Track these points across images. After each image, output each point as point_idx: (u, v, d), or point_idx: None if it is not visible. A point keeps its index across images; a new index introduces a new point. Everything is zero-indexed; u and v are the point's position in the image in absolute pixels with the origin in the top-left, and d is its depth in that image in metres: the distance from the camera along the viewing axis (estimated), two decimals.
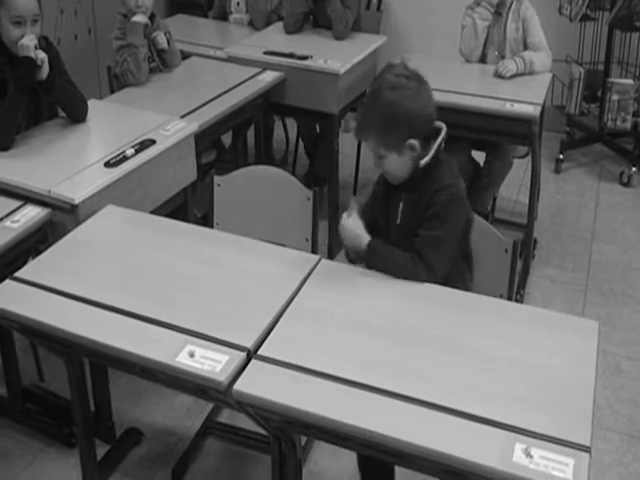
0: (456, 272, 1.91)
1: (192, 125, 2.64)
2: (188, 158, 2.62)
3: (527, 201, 3.24)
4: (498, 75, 3.23)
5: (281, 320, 1.70)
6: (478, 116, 3.01)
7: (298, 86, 3.33)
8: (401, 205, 1.95)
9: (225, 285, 1.84)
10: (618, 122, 4.09)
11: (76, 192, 2.17)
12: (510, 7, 3.31)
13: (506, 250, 1.96)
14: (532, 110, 2.95)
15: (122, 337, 1.64)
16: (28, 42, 2.38)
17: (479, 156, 3.41)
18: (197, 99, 2.97)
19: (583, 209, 3.90)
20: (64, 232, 2.10)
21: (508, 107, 2.98)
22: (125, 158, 2.35)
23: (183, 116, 2.80)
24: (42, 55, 2.41)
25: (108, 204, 2.19)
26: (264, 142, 3.78)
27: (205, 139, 2.87)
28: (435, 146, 1.87)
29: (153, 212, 2.45)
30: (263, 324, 1.67)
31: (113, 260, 1.93)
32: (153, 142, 2.46)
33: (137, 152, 2.39)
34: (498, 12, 3.33)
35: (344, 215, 1.93)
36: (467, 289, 1.90)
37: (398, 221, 1.96)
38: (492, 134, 3.12)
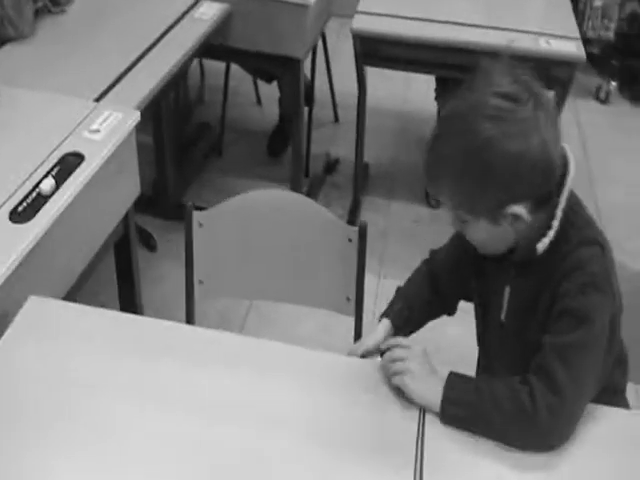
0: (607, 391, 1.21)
1: (131, 113, 1.71)
2: (130, 168, 1.72)
3: None
4: None
5: None
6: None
7: (247, 21, 2.40)
8: (507, 291, 1.21)
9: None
10: None
11: None
12: None
13: None
14: (576, 49, 2.21)
15: None
16: None
17: None
18: (114, 62, 2.00)
19: None
20: None
21: (544, 45, 2.22)
22: (42, 197, 1.44)
23: (102, 94, 1.86)
24: None
25: (27, 290, 1.30)
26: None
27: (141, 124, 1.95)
28: (559, 211, 1.11)
29: (90, 265, 1.59)
30: None
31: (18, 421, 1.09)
32: (80, 157, 1.55)
33: (58, 182, 1.48)
34: None
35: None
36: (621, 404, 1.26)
37: (502, 316, 1.22)
38: None
